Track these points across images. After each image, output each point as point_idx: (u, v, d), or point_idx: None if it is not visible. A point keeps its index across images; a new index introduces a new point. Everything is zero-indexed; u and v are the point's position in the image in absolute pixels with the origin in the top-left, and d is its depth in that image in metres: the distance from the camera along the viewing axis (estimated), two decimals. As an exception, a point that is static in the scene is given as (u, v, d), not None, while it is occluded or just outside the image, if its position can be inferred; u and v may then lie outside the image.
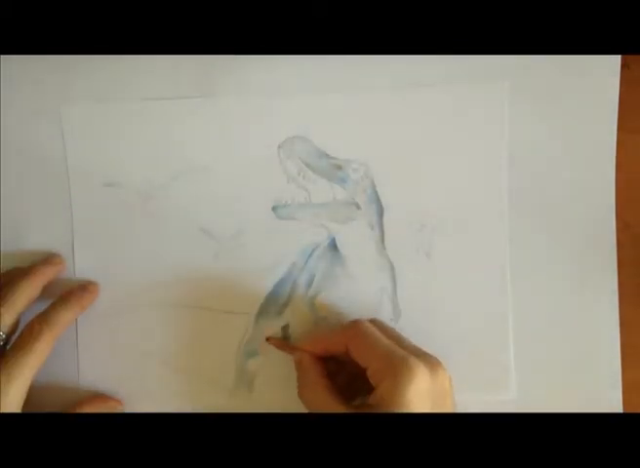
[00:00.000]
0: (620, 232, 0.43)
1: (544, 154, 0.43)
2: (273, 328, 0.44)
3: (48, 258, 0.43)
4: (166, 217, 0.44)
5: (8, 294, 0.40)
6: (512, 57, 0.42)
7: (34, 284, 0.41)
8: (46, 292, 0.42)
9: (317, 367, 0.40)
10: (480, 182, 0.43)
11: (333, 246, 0.44)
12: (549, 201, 0.43)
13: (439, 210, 0.43)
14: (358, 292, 0.44)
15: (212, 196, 0.43)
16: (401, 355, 0.37)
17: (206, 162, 0.43)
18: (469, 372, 0.43)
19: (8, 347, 0.40)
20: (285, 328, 0.44)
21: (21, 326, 0.41)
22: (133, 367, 0.44)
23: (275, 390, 0.43)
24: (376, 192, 0.43)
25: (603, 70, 0.42)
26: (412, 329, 0.43)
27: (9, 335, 0.40)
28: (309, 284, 0.44)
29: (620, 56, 0.42)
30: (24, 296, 0.41)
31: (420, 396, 0.36)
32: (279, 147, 0.43)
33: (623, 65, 0.42)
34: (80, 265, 0.44)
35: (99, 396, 0.43)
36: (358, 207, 0.43)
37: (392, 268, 0.43)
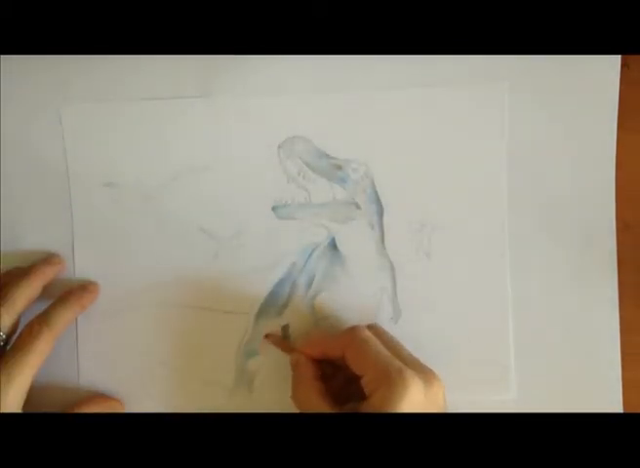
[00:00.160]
0: (619, 232, 0.43)
1: (544, 154, 0.43)
2: (273, 328, 0.44)
3: (47, 258, 0.43)
4: (166, 217, 0.44)
5: (8, 295, 0.40)
6: (512, 57, 0.42)
7: (34, 284, 0.41)
8: (46, 292, 0.42)
9: (312, 369, 0.41)
10: (480, 182, 0.43)
11: (333, 246, 0.44)
12: (549, 201, 0.43)
13: (439, 210, 0.43)
14: (358, 291, 0.44)
15: (212, 196, 0.43)
16: (397, 366, 0.37)
17: (206, 162, 0.43)
18: (469, 372, 0.43)
19: (8, 347, 0.40)
20: (285, 327, 0.44)
21: (21, 326, 0.41)
22: (133, 367, 0.44)
23: (275, 390, 0.43)
24: (375, 192, 0.43)
25: (603, 70, 0.42)
26: (412, 329, 0.43)
27: (9, 336, 0.40)
28: (309, 284, 0.44)
29: (619, 56, 0.42)
30: (24, 297, 0.41)
31: (413, 408, 0.36)
32: (279, 147, 0.43)
33: (623, 65, 0.42)
34: (80, 265, 0.44)
35: (98, 396, 0.43)
36: (358, 207, 0.43)
37: (392, 268, 0.43)
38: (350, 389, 0.40)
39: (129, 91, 0.43)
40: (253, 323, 0.44)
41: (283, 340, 0.43)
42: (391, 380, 0.36)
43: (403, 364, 0.37)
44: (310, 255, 0.43)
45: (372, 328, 0.41)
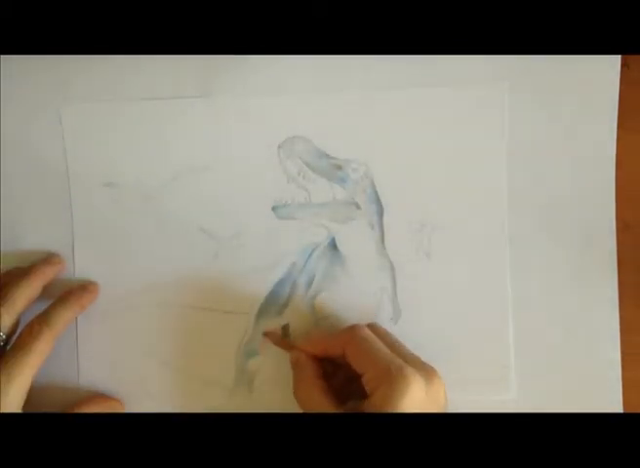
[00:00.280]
0: (619, 232, 0.43)
1: (544, 154, 0.43)
2: (273, 328, 0.44)
3: (47, 258, 0.43)
4: (166, 217, 0.44)
5: (8, 295, 0.40)
6: (512, 57, 0.42)
7: (34, 284, 0.41)
8: (46, 292, 0.42)
9: (313, 367, 0.41)
10: (480, 182, 0.43)
11: (333, 246, 0.44)
12: (549, 201, 0.43)
13: (439, 210, 0.43)
14: (358, 291, 0.43)
15: (212, 196, 0.43)
16: (397, 364, 0.37)
17: (206, 162, 0.43)
18: (469, 372, 0.43)
19: (8, 347, 0.40)
20: (285, 327, 0.44)
21: (21, 326, 0.41)
22: (133, 367, 0.44)
23: (275, 390, 0.43)
24: (375, 192, 0.43)
25: (603, 70, 0.42)
26: (412, 329, 0.43)
27: (9, 336, 0.40)
28: (309, 284, 0.44)
29: (619, 56, 0.42)
30: (24, 297, 0.41)
31: (415, 406, 0.36)
32: (279, 147, 0.43)
33: (623, 65, 0.42)
34: (80, 265, 0.44)
35: (98, 396, 0.43)
36: (358, 207, 0.43)
37: (392, 268, 0.43)
38: (351, 387, 0.40)
39: (129, 91, 0.43)
40: (253, 323, 0.44)
41: (282, 338, 0.43)
42: (392, 378, 0.36)
43: (404, 361, 0.37)
44: (310, 255, 0.43)
45: (372, 326, 0.41)
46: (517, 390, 0.43)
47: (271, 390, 0.43)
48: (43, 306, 0.41)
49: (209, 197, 0.43)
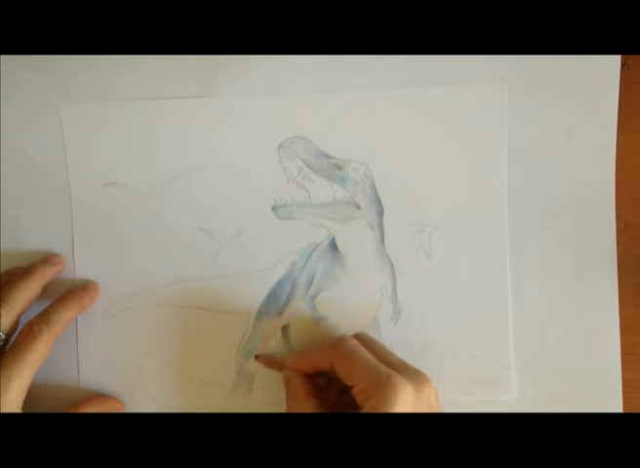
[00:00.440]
0: (619, 232, 0.43)
1: (544, 154, 0.43)
2: (273, 328, 0.44)
3: (47, 258, 0.43)
4: (166, 217, 0.44)
5: (7, 295, 0.40)
6: (512, 56, 0.42)
7: (34, 284, 0.41)
8: (46, 291, 0.42)
9: (304, 385, 0.40)
10: (480, 182, 0.43)
11: (333, 246, 0.44)
12: (549, 201, 0.43)
13: (439, 210, 0.43)
14: (358, 291, 0.43)
15: (212, 196, 0.43)
16: (385, 373, 0.37)
17: (206, 162, 0.43)
18: (469, 372, 0.43)
19: (7, 347, 0.40)
20: (285, 328, 0.44)
21: (21, 326, 0.41)
22: (133, 367, 0.44)
23: (275, 390, 0.43)
24: (375, 192, 0.43)
25: (603, 70, 0.42)
26: (412, 329, 0.43)
27: (8, 336, 0.40)
28: (309, 284, 0.44)
29: (619, 56, 0.42)
30: (24, 297, 0.41)
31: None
32: (279, 147, 0.43)
33: (623, 65, 0.42)
34: (80, 265, 0.44)
35: (98, 396, 0.43)
36: (358, 207, 0.43)
37: (392, 268, 0.43)
38: (345, 399, 0.40)
39: (129, 90, 0.43)
40: (253, 323, 0.44)
41: (273, 360, 0.43)
42: (381, 388, 0.36)
43: (392, 370, 0.37)
44: (310, 255, 0.43)
45: (359, 336, 0.41)
46: (517, 390, 0.43)
47: (271, 390, 0.43)
48: (43, 306, 0.41)
49: (209, 197, 0.43)
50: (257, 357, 0.43)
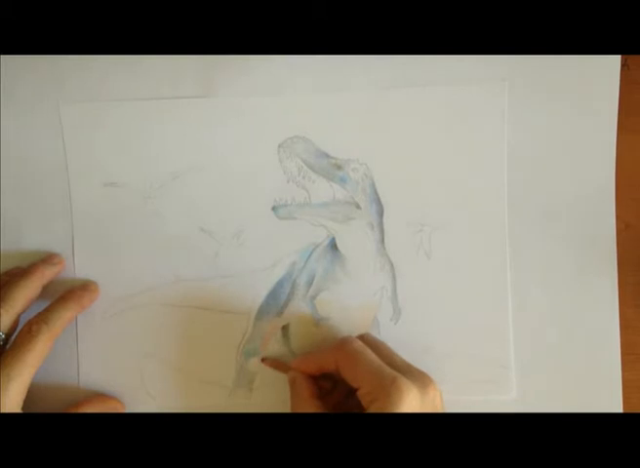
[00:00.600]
0: (619, 232, 0.43)
1: (544, 154, 0.43)
2: (273, 328, 0.44)
3: (47, 258, 0.43)
4: (166, 217, 0.44)
5: (7, 295, 0.40)
6: (512, 56, 0.42)
7: (34, 284, 0.41)
8: (46, 291, 0.42)
9: (309, 387, 0.40)
10: (480, 182, 0.43)
11: (333, 245, 0.44)
12: (549, 201, 0.43)
13: (439, 209, 0.43)
14: (358, 291, 0.43)
15: (212, 196, 0.43)
16: (390, 376, 0.37)
17: (206, 162, 0.43)
18: (469, 372, 0.43)
19: (7, 347, 0.40)
20: (285, 328, 0.44)
21: (21, 325, 0.41)
22: (133, 367, 0.44)
23: (275, 390, 0.43)
24: (375, 192, 0.43)
25: (603, 70, 0.42)
26: (412, 328, 0.43)
27: (8, 335, 0.40)
28: (309, 284, 0.44)
29: (619, 56, 0.42)
30: (24, 297, 0.41)
31: None
32: (279, 147, 0.43)
33: (623, 65, 0.42)
34: (80, 265, 0.44)
35: (98, 396, 0.43)
36: (358, 206, 0.43)
37: (392, 268, 0.43)
38: (350, 401, 0.40)
39: (129, 90, 0.43)
40: (253, 323, 0.44)
41: (279, 362, 0.43)
42: (386, 391, 0.36)
43: (396, 372, 0.37)
44: (310, 255, 0.43)
45: (363, 337, 0.41)
46: (517, 390, 0.43)
47: (271, 390, 0.43)
48: (43, 306, 0.41)
49: (209, 197, 0.43)
50: (263, 360, 0.43)
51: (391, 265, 0.43)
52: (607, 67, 0.42)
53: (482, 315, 0.43)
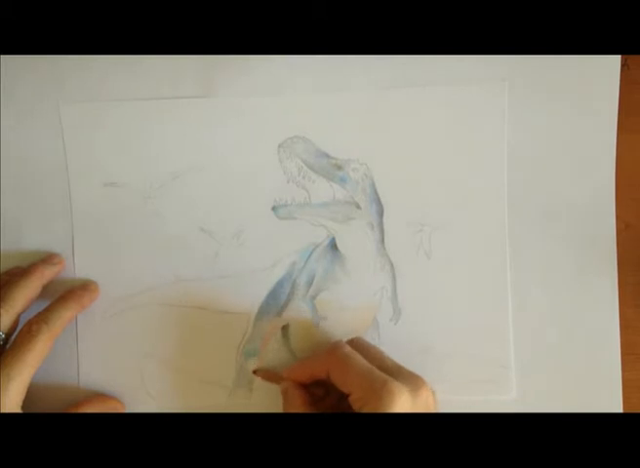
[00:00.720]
0: (619, 232, 0.43)
1: (544, 154, 0.43)
2: (273, 328, 0.44)
3: (47, 259, 0.43)
4: (166, 217, 0.44)
5: (7, 294, 0.40)
6: (512, 56, 0.42)
7: (34, 284, 0.41)
8: (46, 291, 0.42)
9: (302, 396, 0.40)
10: (480, 182, 0.43)
11: (333, 245, 0.44)
12: (549, 201, 0.43)
13: (439, 209, 0.43)
14: (358, 291, 0.43)
15: (212, 196, 0.43)
16: (381, 379, 0.37)
17: (206, 162, 0.43)
18: (469, 372, 0.43)
19: (7, 346, 0.40)
20: (285, 328, 0.44)
21: (21, 325, 0.41)
22: (132, 367, 0.44)
23: (275, 391, 0.43)
24: (375, 192, 0.43)
25: (603, 70, 0.42)
26: (412, 328, 0.43)
27: (8, 335, 0.40)
28: (309, 284, 0.44)
29: (619, 56, 0.42)
30: (23, 297, 0.41)
31: None
32: (279, 147, 0.43)
33: (623, 65, 0.42)
34: (80, 265, 0.44)
35: (98, 396, 0.43)
36: (358, 206, 0.43)
37: (392, 268, 0.43)
38: (344, 407, 0.40)
39: (128, 90, 0.43)
40: (253, 323, 0.44)
41: (271, 373, 0.43)
42: (377, 394, 0.36)
43: (387, 375, 0.37)
44: (310, 255, 0.43)
45: (353, 342, 0.41)
46: (517, 390, 0.43)
47: (271, 390, 0.43)
48: (43, 306, 0.41)
49: (209, 197, 0.43)
50: (254, 372, 0.43)
51: (391, 265, 0.43)
52: (607, 67, 0.42)
53: (482, 315, 0.43)
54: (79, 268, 0.44)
